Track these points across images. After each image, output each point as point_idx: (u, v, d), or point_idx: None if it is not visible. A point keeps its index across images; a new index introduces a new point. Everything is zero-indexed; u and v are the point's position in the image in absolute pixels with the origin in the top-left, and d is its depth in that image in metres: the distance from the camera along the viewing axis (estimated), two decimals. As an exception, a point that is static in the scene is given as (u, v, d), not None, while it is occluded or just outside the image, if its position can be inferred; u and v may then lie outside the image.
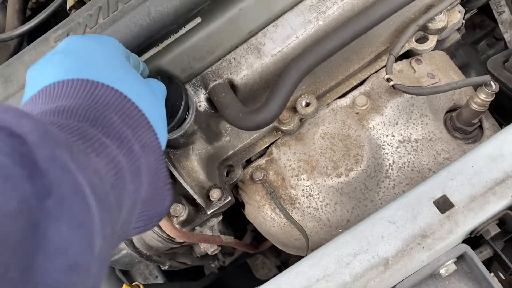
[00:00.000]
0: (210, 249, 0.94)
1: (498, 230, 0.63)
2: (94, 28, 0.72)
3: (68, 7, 0.91)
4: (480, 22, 1.23)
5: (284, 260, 1.39)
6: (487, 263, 0.67)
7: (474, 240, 0.68)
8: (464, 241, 0.69)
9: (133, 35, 0.72)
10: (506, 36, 1.07)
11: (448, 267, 0.60)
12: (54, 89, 0.49)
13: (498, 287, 0.59)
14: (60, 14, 0.93)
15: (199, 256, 1.00)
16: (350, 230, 0.64)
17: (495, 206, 0.60)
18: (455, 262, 0.62)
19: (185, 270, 1.22)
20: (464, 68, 1.21)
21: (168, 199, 0.53)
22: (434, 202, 0.62)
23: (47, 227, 0.33)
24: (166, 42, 0.77)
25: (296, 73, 0.75)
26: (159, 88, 0.66)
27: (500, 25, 1.06)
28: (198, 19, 0.76)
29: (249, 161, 0.93)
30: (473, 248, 0.69)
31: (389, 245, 0.61)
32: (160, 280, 1.28)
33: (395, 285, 0.61)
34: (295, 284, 0.62)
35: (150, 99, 0.57)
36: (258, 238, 1.17)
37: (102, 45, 0.58)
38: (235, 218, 1.09)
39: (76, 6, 0.90)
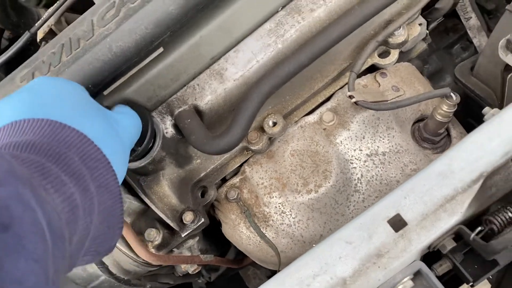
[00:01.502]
0: (191, 268, 0.96)
1: (454, 244, 0.64)
2: (58, 66, 0.74)
3: (38, 40, 0.94)
4: (453, 26, 1.24)
5: (275, 270, 1.41)
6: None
7: (437, 252, 0.70)
8: (427, 255, 0.71)
9: (96, 71, 0.74)
10: (475, 41, 1.08)
11: (404, 285, 0.62)
12: (19, 125, 0.52)
13: (454, 301, 0.61)
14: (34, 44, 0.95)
15: (181, 275, 1.01)
16: (310, 252, 0.65)
17: (446, 223, 0.61)
18: (412, 279, 0.63)
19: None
20: (438, 73, 1.22)
21: (117, 238, 0.55)
22: (388, 221, 0.63)
23: (4, 259, 0.35)
24: (130, 73, 0.79)
25: (257, 97, 0.76)
26: (129, 121, 0.68)
27: (468, 31, 1.07)
28: (161, 49, 0.78)
29: (224, 180, 0.95)
30: (435, 261, 0.70)
31: (346, 265, 0.63)
32: (151, 298, 1.30)
33: (354, 305, 0.62)
34: (258, 308, 0.63)
35: (112, 139, 0.59)
36: (242, 252, 1.19)
37: (70, 85, 0.61)
38: (219, 233, 1.11)
39: (46, 38, 0.93)
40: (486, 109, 0.73)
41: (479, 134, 0.63)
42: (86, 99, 0.62)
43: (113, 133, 0.61)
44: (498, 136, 0.62)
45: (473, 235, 0.62)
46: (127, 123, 0.68)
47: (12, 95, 0.58)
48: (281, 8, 0.81)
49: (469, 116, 1.08)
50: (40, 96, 0.57)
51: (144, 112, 0.75)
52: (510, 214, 0.61)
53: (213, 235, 1.09)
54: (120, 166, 0.59)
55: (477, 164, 0.62)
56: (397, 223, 0.63)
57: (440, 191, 0.62)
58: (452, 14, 1.13)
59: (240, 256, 1.21)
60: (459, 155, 0.63)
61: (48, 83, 0.60)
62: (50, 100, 0.57)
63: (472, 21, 1.05)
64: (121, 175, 0.60)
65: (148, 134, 0.74)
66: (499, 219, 0.62)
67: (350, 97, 0.82)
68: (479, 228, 0.62)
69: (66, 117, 0.54)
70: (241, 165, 0.93)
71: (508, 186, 0.64)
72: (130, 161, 0.75)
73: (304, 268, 0.64)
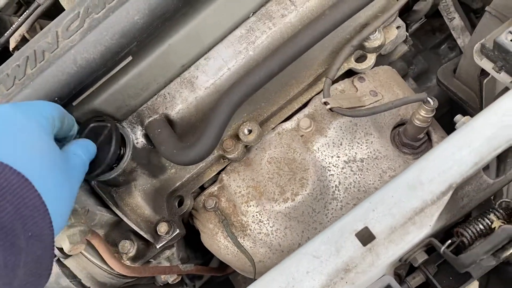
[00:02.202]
0: (170, 278, 0.95)
1: (426, 257, 0.63)
2: (22, 79, 0.73)
3: (11, 49, 0.93)
4: (439, 25, 1.22)
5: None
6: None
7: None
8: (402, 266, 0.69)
9: (61, 83, 0.72)
10: (459, 42, 1.06)
11: (374, 300, 0.60)
12: None
13: (425, 316, 0.59)
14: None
15: (162, 285, 1.00)
16: (277, 267, 0.64)
17: (415, 236, 0.60)
18: (383, 293, 0.61)
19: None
20: (424, 74, 1.20)
21: (44, 283, 0.54)
22: (356, 235, 0.61)
23: None
24: (99, 83, 0.77)
25: (227, 107, 0.75)
26: (81, 160, 0.66)
27: (452, 31, 1.05)
28: (129, 58, 0.77)
29: (203, 188, 0.94)
30: (410, 273, 0.68)
31: (314, 280, 0.61)
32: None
33: (321, 321, 0.61)
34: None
35: (57, 180, 0.57)
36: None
37: (26, 118, 0.58)
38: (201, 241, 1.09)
39: (19, 46, 0.91)
40: (458, 117, 0.70)
41: (449, 143, 0.61)
42: (38, 135, 0.58)
43: (59, 175, 0.58)
44: (468, 145, 0.60)
45: (443, 248, 0.60)
46: (79, 162, 0.66)
47: None
48: (252, 14, 0.79)
49: (455, 117, 1.06)
50: None
51: (108, 125, 0.74)
52: (481, 226, 0.59)
53: (196, 243, 1.08)
54: (64, 208, 0.58)
55: (446, 175, 0.60)
56: (365, 237, 0.61)
57: (409, 203, 0.60)
58: (438, 13, 1.11)
59: (224, 263, 1.19)
60: (428, 166, 0.61)
61: (6, 113, 0.57)
62: (1, 134, 0.54)
63: (455, 21, 1.03)
64: (65, 215, 0.58)
65: (111, 148, 0.72)
66: (469, 232, 0.60)
67: (325, 103, 0.80)
68: (450, 241, 0.60)
69: (9, 156, 0.51)
70: (218, 173, 0.91)
71: (480, 196, 0.62)
72: (98, 173, 0.73)
73: (271, 284, 0.63)
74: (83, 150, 0.66)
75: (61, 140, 0.69)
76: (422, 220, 0.59)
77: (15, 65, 0.74)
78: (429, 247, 0.65)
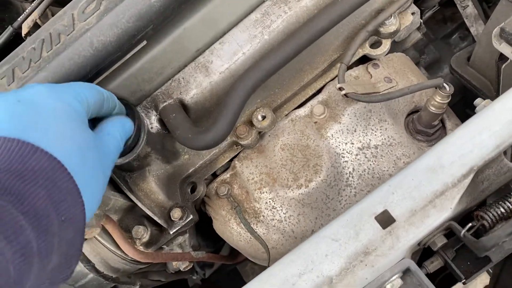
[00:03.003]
0: (182, 265, 0.95)
1: (445, 241, 0.62)
2: (38, 62, 0.72)
3: (23, 34, 0.92)
4: (451, 14, 1.21)
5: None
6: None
7: (430, 249, 0.68)
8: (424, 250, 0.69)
9: (77, 66, 0.72)
10: (473, 30, 1.05)
11: (393, 283, 0.60)
12: None
13: (445, 299, 0.59)
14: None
15: (173, 272, 1.00)
16: (295, 250, 0.63)
17: (436, 219, 0.59)
18: (402, 277, 0.61)
19: (172, 285, 1.23)
20: (436, 64, 1.19)
21: (74, 267, 0.54)
22: (376, 218, 0.61)
23: None
24: (114, 67, 0.77)
25: (242, 91, 0.74)
26: (118, 134, 0.66)
27: (465, 20, 1.04)
28: (144, 42, 0.76)
29: (215, 175, 0.93)
30: (428, 258, 0.68)
31: (333, 263, 0.61)
32: (146, 296, 1.29)
33: (340, 304, 0.61)
34: (242, 309, 0.62)
35: (91, 163, 0.56)
36: (236, 248, 1.18)
37: (59, 101, 0.57)
38: (212, 229, 1.09)
39: (31, 32, 0.91)
40: (478, 101, 0.70)
41: (470, 126, 0.61)
42: (71, 119, 0.57)
43: (91, 157, 0.57)
44: (489, 128, 0.59)
45: (463, 231, 0.59)
46: (112, 143, 0.65)
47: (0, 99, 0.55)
48: (267, -2, 0.78)
49: (467, 106, 1.05)
50: (25, 111, 0.53)
51: (131, 107, 0.74)
52: (502, 209, 0.59)
53: (207, 231, 1.08)
54: (96, 190, 0.57)
55: (467, 158, 0.59)
56: (385, 220, 0.61)
57: (429, 186, 0.60)
58: (450, 2, 1.10)
59: (235, 252, 1.19)
60: (449, 149, 0.61)
61: (40, 95, 0.56)
62: (34, 117, 0.53)
63: (469, 9, 1.02)
64: (97, 197, 0.58)
65: (133, 131, 0.72)
66: (490, 215, 0.59)
67: (340, 89, 0.79)
68: (470, 224, 0.60)
69: (41, 139, 0.51)
70: (231, 160, 0.91)
71: (500, 180, 0.62)
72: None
73: (290, 267, 0.62)
74: (118, 130, 0.66)
75: (102, 119, 0.68)
76: (443, 203, 0.59)
77: (31, 48, 0.74)
78: (447, 232, 0.65)
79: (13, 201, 0.46)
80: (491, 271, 1.26)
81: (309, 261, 0.62)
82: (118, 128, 0.67)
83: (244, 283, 1.34)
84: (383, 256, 0.59)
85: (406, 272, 0.62)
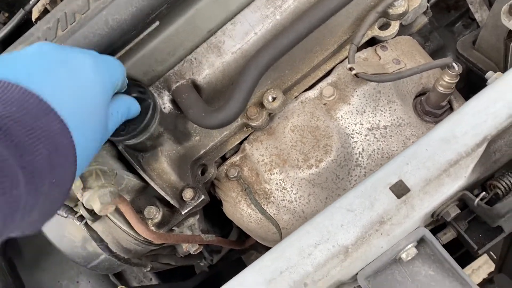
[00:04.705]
0: (192, 248, 0.95)
1: (458, 211, 0.63)
2: (54, 41, 0.73)
3: (34, 19, 0.93)
4: (454, 3, 1.23)
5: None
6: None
7: (442, 224, 0.69)
8: (432, 223, 0.70)
9: (92, 45, 0.73)
10: (477, 16, 1.06)
11: (408, 252, 0.61)
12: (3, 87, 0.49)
13: (459, 268, 0.60)
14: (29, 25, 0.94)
15: (182, 256, 1.01)
16: (311, 221, 0.64)
17: (450, 188, 0.60)
18: (416, 246, 0.62)
19: (179, 271, 1.23)
20: (440, 51, 1.21)
21: (48, 219, 0.55)
22: (390, 188, 0.62)
23: None
24: (127, 47, 0.77)
25: (255, 70, 0.75)
26: (122, 115, 0.67)
27: (470, 6, 1.06)
28: (157, 23, 0.77)
29: (224, 158, 0.94)
30: (441, 230, 0.69)
31: (348, 233, 0.62)
32: (154, 282, 1.30)
33: (356, 273, 0.61)
34: (259, 279, 0.62)
35: (96, 137, 0.58)
36: (245, 233, 1.18)
37: (95, 74, 0.59)
38: (220, 215, 1.10)
39: (41, 17, 0.91)
40: (489, 73, 0.71)
41: (482, 97, 0.62)
42: (98, 93, 0.59)
43: (98, 133, 0.59)
44: (502, 98, 0.60)
45: (477, 200, 0.60)
46: (115, 121, 0.66)
47: (21, 52, 0.56)
48: (279, -21, 0.79)
49: (472, 91, 1.06)
50: (62, 73, 0.55)
51: (144, 88, 0.74)
52: (514, 178, 0.60)
53: (215, 217, 1.08)
54: (86, 162, 0.59)
55: (480, 127, 0.60)
56: (400, 190, 0.61)
57: (443, 156, 0.61)
58: (454, -11, 1.12)
59: (242, 237, 1.20)
60: (462, 119, 0.62)
61: (84, 65, 0.58)
62: (65, 82, 0.54)
63: (473, -5, 1.04)
64: (85, 167, 0.60)
65: (149, 111, 0.73)
66: (504, 183, 0.60)
67: (351, 69, 0.80)
68: (483, 193, 0.61)
69: (61, 103, 0.52)
70: (241, 143, 0.92)
71: (512, 151, 0.63)
72: (128, 137, 0.74)
73: (305, 237, 0.63)
74: (122, 112, 0.67)
75: None
76: (457, 172, 0.60)
77: (46, 27, 0.74)
78: (460, 204, 0.66)
79: (15, 154, 0.46)
80: (495, 258, 1.27)
81: (324, 231, 0.63)
82: (123, 111, 0.68)
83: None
84: (398, 225, 0.60)
85: (420, 242, 0.63)
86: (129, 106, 0.70)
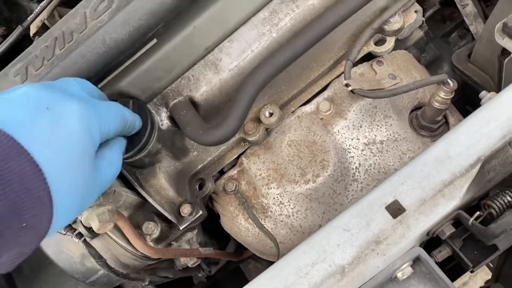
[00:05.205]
0: (190, 261, 0.96)
1: (453, 230, 0.64)
2: (51, 60, 0.73)
3: (31, 34, 0.93)
4: (450, 14, 1.23)
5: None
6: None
7: (436, 240, 0.69)
8: (427, 241, 0.70)
9: (90, 64, 0.73)
10: (472, 29, 1.07)
11: (404, 271, 0.62)
12: None
13: (454, 287, 0.60)
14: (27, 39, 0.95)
15: (181, 269, 1.01)
16: (308, 240, 0.65)
17: (445, 208, 0.61)
18: (412, 265, 0.63)
19: (177, 282, 1.24)
20: (436, 62, 1.21)
21: (19, 263, 0.52)
22: (386, 208, 0.63)
23: None
24: (124, 65, 0.78)
25: (252, 87, 0.76)
26: (119, 159, 0.65)
27: (465, 18, 1.06)
28: (154, 41, 0.78)
29: (222, 172, 0.95)
30: (435, 247, 0.70)
31: (345, 252, 0.62)
32: (152, 293, 1.30)
33: (353, 292, 0.62)
34: (257, 298, 0.63)
35: (77, 184, 0.55)
36: (242, 245, 1.19)
37: (79, 123, 0.55)
38: (218, 227, 1.10)
39: (39, 33, 0.92)
40: (483, 93, 0.72)
41: (476, 117, 0.63)
42: (84, 143, 0.56)
43: (83, 186, 0.56)
44: (496, 119, 0.61)
45: (471, 219, 0.61)
46: (109, 173, 0.63)
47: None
48: (276, -4, 0.80)
49: (468, 103, 1.07)
50: (46, 121, 0.52)
51: (142, 106, 0.75)
52: (509, 198, 0.61)
53: (212, 229, 1.09)
54: (73, 209, 0.56)
55: (474, 148, 0.61)
56: (395, 209, 0.62)
57: (438, 176, 0.62)
58: (449, 2, 1.12)
59: (240, 249, 1.20)
60: (456, 139, 0.62)
61: (69, 115, 0.55)
62: (49, 130, 0.52)
63: (468, 8, 1.04)
64: (73, 214, 0.57)
65: (147, 129, 0.74)
66: (497, 203, 0.61)
67: (347, 85, 0.81)
68: (478, 213, 0.62)
69: (40, 150, 0.50)
70: (238, 157, 0.92)
71: (506, 170, 0.64)
72: (127, 156, 0.74)
73: (302, 257, 0.64)
74: (118, 156, 0.65)
75: None
76: (452, 192, 0.61)
77: (44, 46, 0.75)
78: (455, 222, 0.66)
79: None
80: (492, 266, 1.27)
81: (321, 251, 0.63)
82: (118, 153, 0.66)
83: (247, 281, 1.36)
84: (394, 244, 0.61)
85: (416, 261, 0.63)
86: (122, 145, 0.68)
